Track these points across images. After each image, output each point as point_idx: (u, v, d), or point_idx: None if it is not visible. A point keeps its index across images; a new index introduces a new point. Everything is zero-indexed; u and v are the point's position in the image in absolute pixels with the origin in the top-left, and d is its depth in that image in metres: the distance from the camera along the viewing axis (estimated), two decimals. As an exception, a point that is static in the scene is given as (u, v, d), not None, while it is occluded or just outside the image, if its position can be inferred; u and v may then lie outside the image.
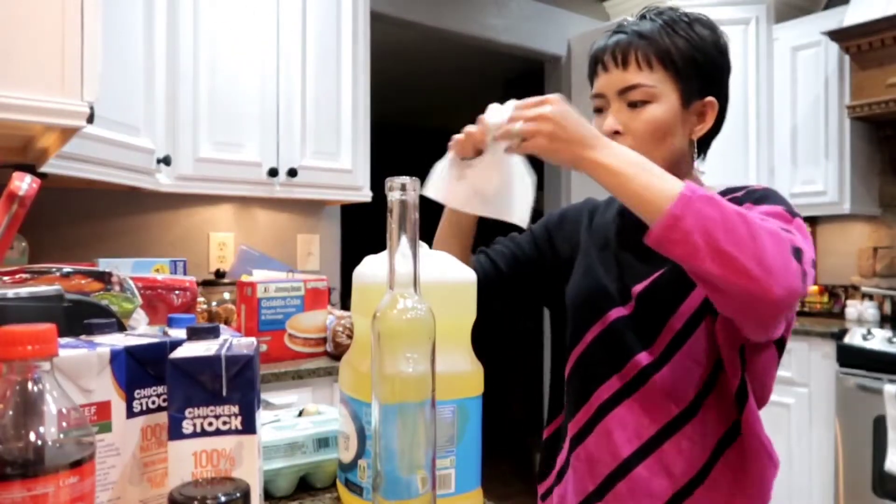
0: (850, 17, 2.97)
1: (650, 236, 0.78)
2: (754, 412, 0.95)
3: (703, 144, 1.04)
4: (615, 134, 0.97)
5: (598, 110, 1.01)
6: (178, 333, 0.69)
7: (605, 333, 1.00)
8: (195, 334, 0.64)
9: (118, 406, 0.60)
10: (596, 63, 1.01)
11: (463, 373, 0.76)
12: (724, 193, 0.96)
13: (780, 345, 0.96)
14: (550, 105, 0.84)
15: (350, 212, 3.07)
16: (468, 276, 0.79)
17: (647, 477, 0.95)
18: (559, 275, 1.12)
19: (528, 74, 4.83)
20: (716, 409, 0.95)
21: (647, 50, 0.96)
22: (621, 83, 0.97)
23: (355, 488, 0.73)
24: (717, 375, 0.95)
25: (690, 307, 0.95)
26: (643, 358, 0.96)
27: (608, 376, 1.00)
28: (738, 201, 0.93)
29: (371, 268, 0.78)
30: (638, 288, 0.99)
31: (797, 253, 0.78)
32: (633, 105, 0.96)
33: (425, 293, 0.70)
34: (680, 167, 0.99)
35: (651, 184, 0.80)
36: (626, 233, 1.05)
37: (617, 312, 1.00)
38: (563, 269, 1.12)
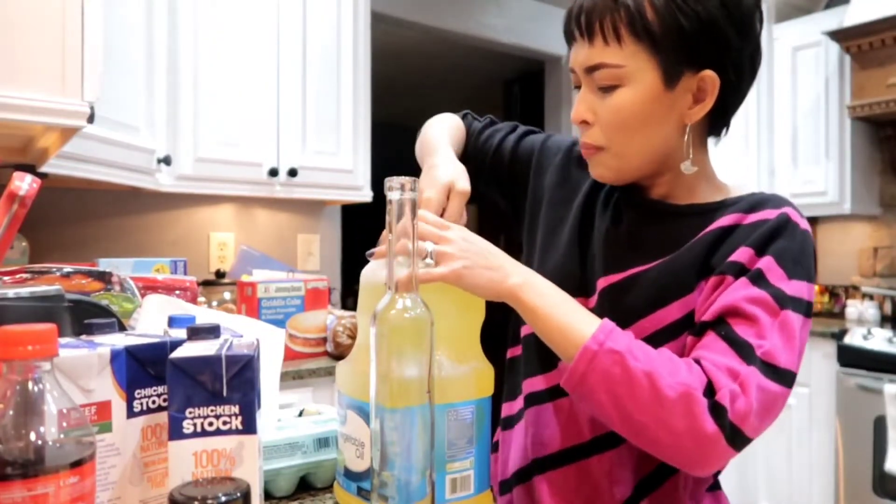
0: (850, 16, 2.97)
1: (563, 384, 0.73)
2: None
3: (717, 121, 0.85)
4: (583, 123, 0.82)
5: (578, 86, 0.85)
6: (179, 333, 0.69)
7: None
8: (195, 334, 0.64)
9: (118, 406, 0.60)
10: (565, 31, 0.84)
11: (480, 373, 0.76)
12: (746, 209, 0.80)
13: (789, 379, 0.71)
14: (450, 231, 0.76)
15: (350, 212, 3.07)
16: None
17: (544, 494, 0.86)
18: (514, 198, 1.04)
19: (528, 74, 4.84)
20: (644, 451, 0.80)
21: (614, 16, 0.76)
22: (585, 60, 0.79)
23: (379, 497, 0.70)
24: None
25: (662, 319, 0.79)
26: None
27: (536, 372, 0.89)
28: (745, 234, 0.78)
29: (379, 269, 0.76)
30: (604, 282, 0.84)
31: (718, 409, 0.67)
32: (603, 88, 0.79)
33: (438, 291, 0.70)
34: (671, 160, 0.83)
35: (563, 329, 0.72)
36: (617, 210, 0.89)
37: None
38: (518, 198, 1.03)
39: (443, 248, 0.73)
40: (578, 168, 0.97)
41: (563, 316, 0.73)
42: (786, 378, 0.70)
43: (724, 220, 0.80)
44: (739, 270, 0.75)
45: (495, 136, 1.07)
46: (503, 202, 1.09)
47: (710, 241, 0.79)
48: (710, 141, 0.88)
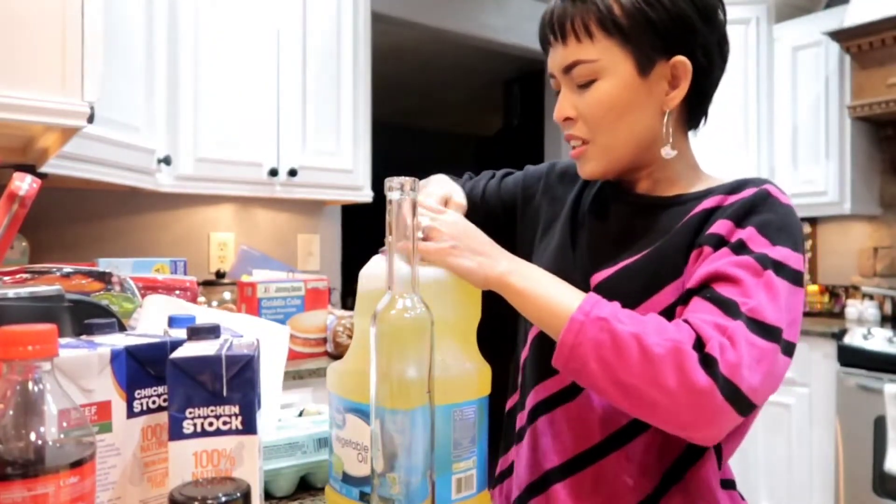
0: (850, 16, 2.97)
1: (555, 362, 0.73)
2: (712, 457, 0.82)
3: (694, 111, 0.87)
4: (567, 120, 0.85)
5: (558, 91, 0.87)
6: (179, 333, 0.69)
7: None
8: (195, 334, 0.64)
9: (118, 406, 0.60)
10: (541, 39, 0.87)
11: (480, 372, 0.76)
12: (727, 191, 0.82)
13: (777, 336, 0.72)
14: (445, 214, 0.81)
15: (350, 212, 3.07)
16: None
17: (563, 500, 0.85)
18: (525, 230, 1.02)
19: (528, 74, 4.84)
20: (659, 444, 0.81)
21: (584, 16, 0.80)
22: (562, 61, 0.83)
23: (381, 499, 0.66)
24: None
25: (658, 304, 0.79)
26: None
27: (547, 376, 0.88)
28: (725, 212, 0.79)
29: (379, 269, 0.75)
30: (598, 277, 0.85)
31: (709, 361, 0.66)
32: (581, 85, 0.83)
33: (432, 291, 0.70)
34: (653, 150, 0.85)
35: (551, 307, 0.74)
36: (604, 209, 0.92)
37: None
38: (512, 233, 1.03)
39: (435, 224, 0.78)
40: (561, 184, 1.01)
41: (551, 296, 0.75)
42: (774, 334, 0.69)
43: (708, 203, 0.82)
44: (718, 242, 0.76)
45: (479, 185, 1.08)
46: (499, 239, 1.09)
47: (695, 223, 0.81)
48: (692, 134, 0.91)
